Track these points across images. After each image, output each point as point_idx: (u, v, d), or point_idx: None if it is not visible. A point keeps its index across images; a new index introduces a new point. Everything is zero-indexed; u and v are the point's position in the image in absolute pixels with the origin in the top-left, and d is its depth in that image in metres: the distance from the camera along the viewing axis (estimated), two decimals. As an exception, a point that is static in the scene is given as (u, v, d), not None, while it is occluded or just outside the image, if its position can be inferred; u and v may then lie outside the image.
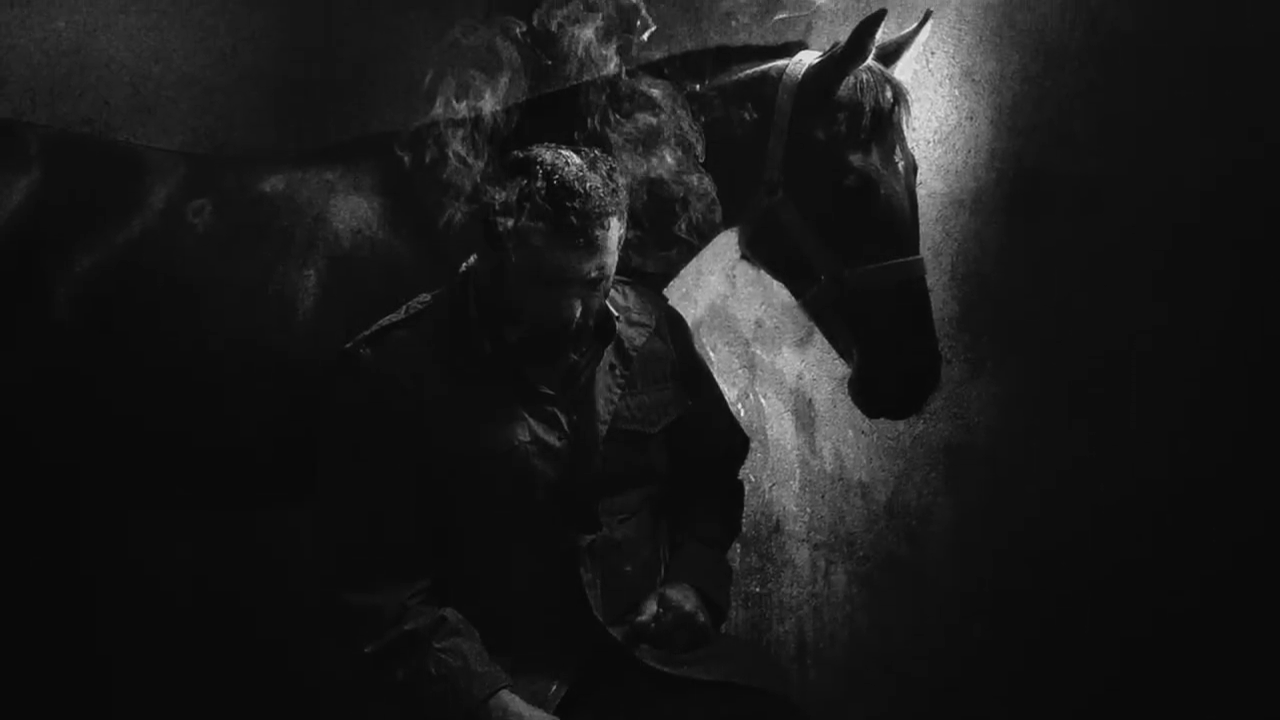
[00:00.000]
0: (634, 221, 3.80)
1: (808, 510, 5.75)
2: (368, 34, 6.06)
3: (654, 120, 4.00)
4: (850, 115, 4.16)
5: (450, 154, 3.85)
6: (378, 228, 4.23)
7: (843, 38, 4.19)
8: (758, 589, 5.93)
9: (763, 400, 5.85)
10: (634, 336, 3.91)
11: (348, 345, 3.71)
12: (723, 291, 5.95)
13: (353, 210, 4.24)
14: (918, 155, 4.42)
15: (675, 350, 4.06)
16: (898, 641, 5.49)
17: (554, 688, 3.67)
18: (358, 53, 6.00)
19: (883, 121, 4.18)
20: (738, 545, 5.87)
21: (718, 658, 3.84)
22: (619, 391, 3.81)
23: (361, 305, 3.92)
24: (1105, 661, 4.81)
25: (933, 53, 5.12)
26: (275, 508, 4.46)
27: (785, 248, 4.21)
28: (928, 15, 4.42)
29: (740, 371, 5.93)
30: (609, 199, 3.50)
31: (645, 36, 4.19)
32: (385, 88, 5.84)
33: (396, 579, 3.62)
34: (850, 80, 4.17)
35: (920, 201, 4.33)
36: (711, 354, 5.83)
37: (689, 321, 4.36)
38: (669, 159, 3.93)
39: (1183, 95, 4.47)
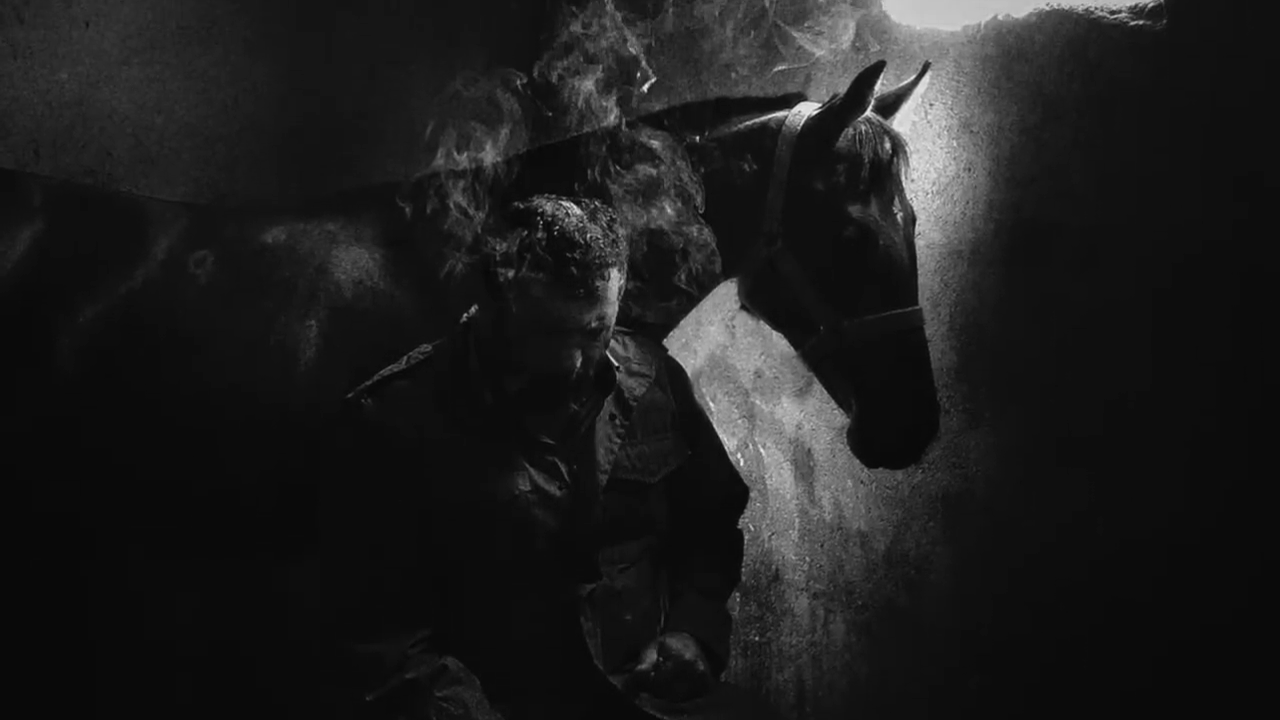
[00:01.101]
0: (634, 272, 3.82)
1: (807, 559, 5.76)
2: (369, 86, 6.10)
3: (654, 171, 4.02)
4: (849, 166, 4.18)
5: (451, 205, 3.87)
6: (379, 278, 4.24)
7: (842, 89, 4.22)
8: (757, 637, 5.93)
9: (762, 450, 5.86)
10: (634, 386, 3.92)
11: (349, 395, 3.73)
12: (722, 342, 5.97)
13: (354, 261, 4.26)
14: (916, 206, 4.45)
15: (675, 400, 4.08)
16: (897, 690, 5.48)
17: (555, 736, 3.69)
18: (359, 104, 6.04)
19: (881, 173, 4.21)
20: (737, 594, 5.88)
21: (717, 706, 3.85)
22: (619, 441, 3.82)
23: (363, 356, 3.95)
24: (1105, 712, 4.80)
25: (931, 104, 5.14)
26: (277, 556, 4.47)
27: (784, 298, 4.23)
28: (926, 67, 4.46)
29: (740, 421, 5.94)
30: (609, 250, 3.52)
31: (645, 88, 4.22)
32: (386, 139, 5.88)
33: (398, 627, 3.63)
34: (849, 132, 4.20)
35: (919, 252, 4.36)
36: (711, 404, 5.85)
37: (689, 371, 4.37)
38: (669, 210, 3.95)
39: (1182, 147, 4.47)
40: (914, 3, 5.31)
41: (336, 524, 3.70)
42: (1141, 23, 4.55)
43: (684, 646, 3.89)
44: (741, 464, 5.81)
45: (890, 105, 4.40)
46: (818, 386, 4.44)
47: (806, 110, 4.32)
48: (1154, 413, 4.56)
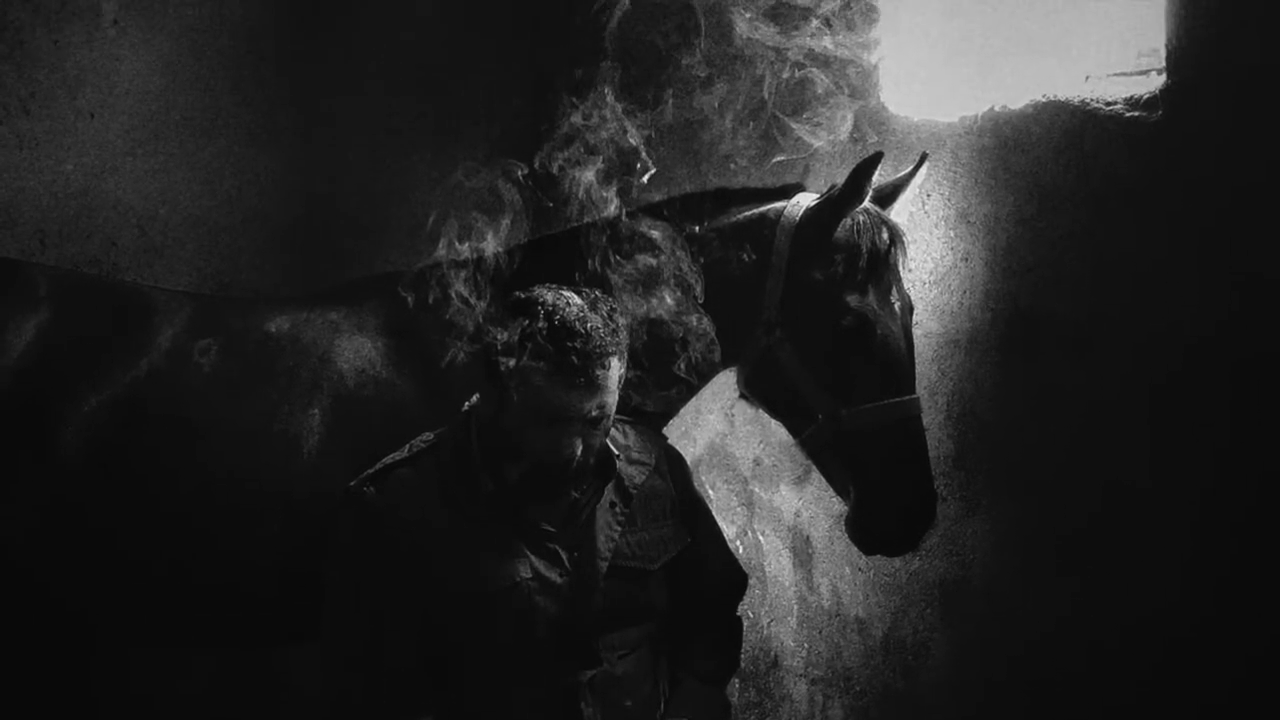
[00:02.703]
0: (634, 361, 3.85)
1: (805, 645, 5.75)
2: (371, 176, 6.15)
3: (654, 261, 4.05)
4: (847, 256, 4.21)
5: (453, 294, 3.90)
6: (381, 367, 4.28)
7: (840, 180, 4.27)
8: (756, 725, 5.93)
9: (761, 537, 5.86)
10: (634, 474, 3.94)
11: (352, 483, 3.75)
12: (721, 430, 5.98)
13: (357, 350, 4.29)
14: (914, 296, 4.48)
15: (675, 488, 4.09)
16: (895, 777, 5.47)
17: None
18: (361, 195, 6.09)
19: (879, 262, 4.24)
20: (736, 680, 5.87)
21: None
22: (619, 528, 3.83)
23: (365, 444, 3.97)
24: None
25: (928, 195, 5.17)
26: (279, 644, 4.47)
27: (783, 387, 4.25)
28: (923, 158, 4.50)
29: (739, 509, 5.95)
30: (609, 339, 3.55)
31: (645, 179, 4.25)
32: (389, 229, 5.92)
33: (399, 713, 3.64)
34: (847, 222, 4.24)
35: (916, 341, 4.40)
36: (710, 491, 5.85)
37: (688, 459, 4.39)
38: (668, 299, 3.97)
39: (1177, 238, 4.49)
40: (911, 94, 5.36)
41: (339, 610, 3.72)
42: (1137, 114, 4.59)
43: (684, 732, 3.90)
44: (740, 551, 5.82)
45: (888, 196, 4.44)
46: (816, 474, 4.46)
47: (805, 201, 4.35)
48: (1149, 502, 4.57)
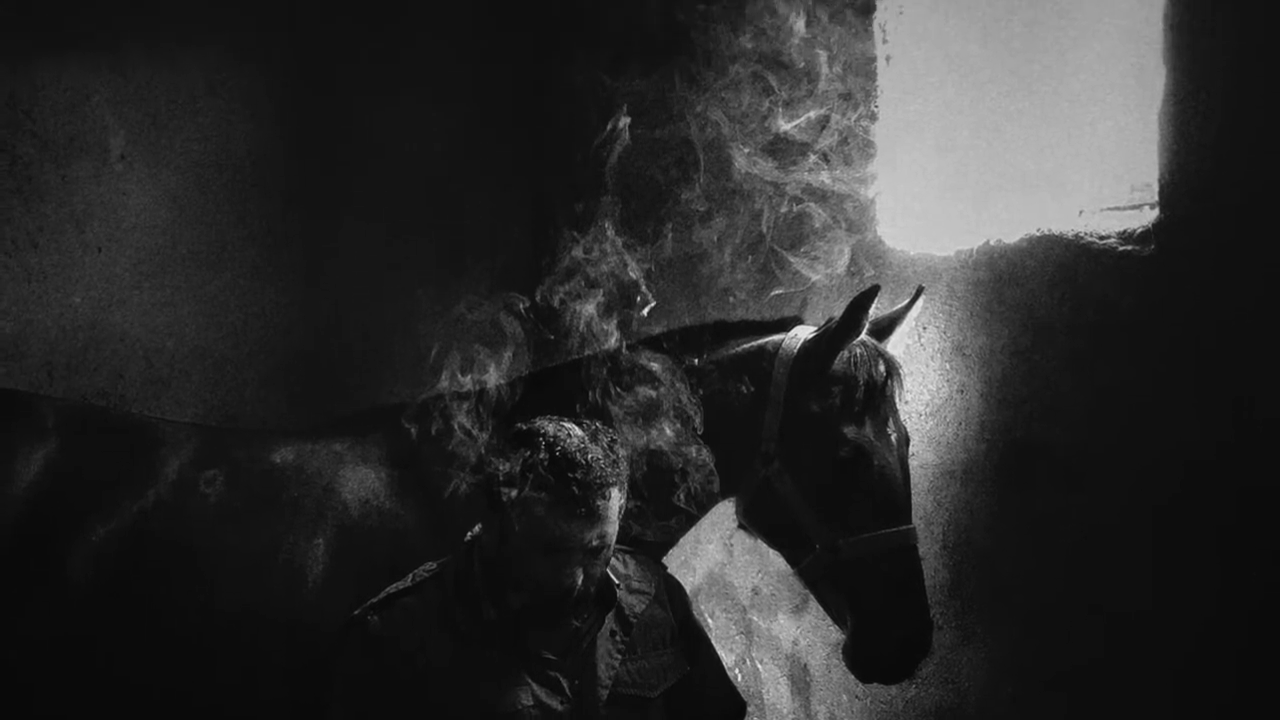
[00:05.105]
0: (634, 492, 3.87)
1: (805, 774, 5.74)
2: (375, 309, 6.19)
3: (653, 393, 4.08)
4: (845, 388, 4.26)
5: (456, 426, 3.94)
6: (385, 498, 4.30)
7: (837, 313, 4.30)
8: None
9: (759, 665, 5.86)
10: (634, 603, 3.95)
11: (356, 612, 3.76)
12: (720, 560, 5.99)
13: (361, 480, 4.32)
14: (910, 427, 4.51)
15: (674, 616, 4.10)
16: None
17: None
18: (365, 327, 6.12)
19: (876, 395, 4.27)
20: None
21: None
22: (620, 657, 3.84)
23: (369, 573, 3.98)
24: None
25: (925, 327, 5.21)
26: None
27: (781, 517, 4.28)
28: (919, 291, 4.55)
29: (737, 637, 5.95)
30: (610, 470, 3.58)
31: (645, 312, 4.30)
32: (392, 361, 5.95)
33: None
34: (845, 354, 4.28)
35: (912, 472, 4.42)
36: (709, 620, 5.86)
37: (687, 588, 4.40)
38: (668, 431, 4.01)
39: (1170, 369, 4.51)
40: (907, 228, 5.42)
41: (342, 739, 3.73)
42: (1130, 248, 4.64)
43: None
44: (739, 679, 5.81)
45: (885, 328, 4.48)
46: (814, 603, 4.46)
47: (803, 333, 4.40)
48: (1143, 632, 4.59)
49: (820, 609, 4.40)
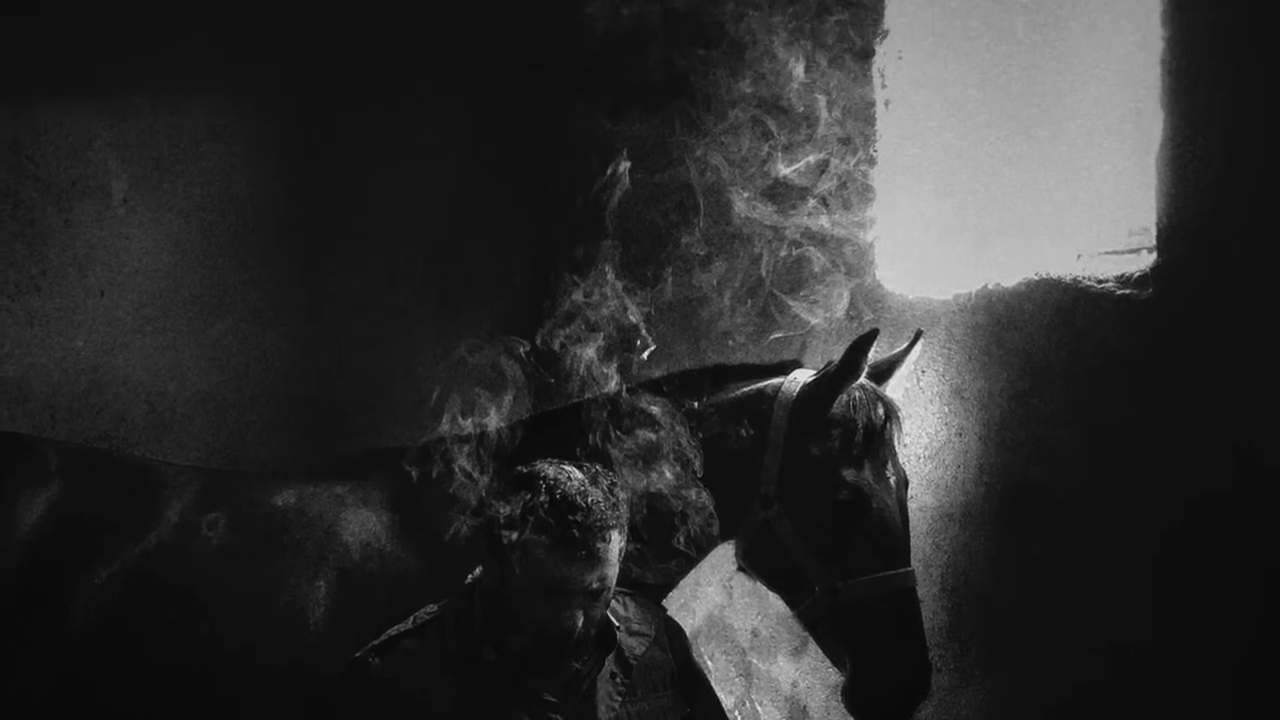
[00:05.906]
0: (634, 534, 3.86)
1: (805, 816, 5.73)
2: (376, 352, 6.20)
3: (653, 436, 4.09)
4: (844, 431, 4.27)
5: (456, 468, 3.95)
6: (386, 540, 4.30)
7: (836, 357, 4.31)
8: None
9: (759, 708, 5.85)
10: (634, 645, 3.95)
11: (357, 654, 3.77)
12: (720, 602, 5.99)
13: (362, 523, 4.33)
14: (909, 470, 4.52)
15: (674, 659, 4.09)
16: None
17: None
18: (366, 370, 6.13)
19: (875, 438, 4.28)
20: None
21: None
22: (619, 699, 3.84)
23: (370, 615, 3.98)
24: None
25: (923, 371, 5.23)
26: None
27: (780, 560, 4.28)
28: (918, 335, 4.56)
29: (737, 679, 5.94)
30: (610, 513, 3.58)
31: (645, 355, 4.31)
32: (393, 405, 5.96)
33: None
34: (844, 398, 4.28)
35: (911, 515, 4.42)
36: (709, 662, 5.85)
37: (687, 631, 4.40)
38: (668, 474, 4.02)
39: (1169, 413, 4.52)
40: (906, 272, 5.44)
41: (343, 781, 3.73)
42: (1128, 291, 4.65)
43: None
44: (739, 722, 5.81)
45: (884, 372, 4.48)
46: (813, 645, 4.46)
47: (802, 377, 4.40)
48: (1142, 674, 4.59)
49: (819, 651, 4.40)
